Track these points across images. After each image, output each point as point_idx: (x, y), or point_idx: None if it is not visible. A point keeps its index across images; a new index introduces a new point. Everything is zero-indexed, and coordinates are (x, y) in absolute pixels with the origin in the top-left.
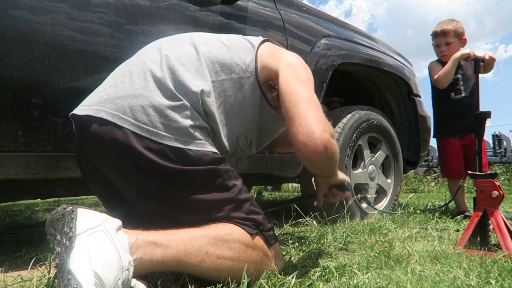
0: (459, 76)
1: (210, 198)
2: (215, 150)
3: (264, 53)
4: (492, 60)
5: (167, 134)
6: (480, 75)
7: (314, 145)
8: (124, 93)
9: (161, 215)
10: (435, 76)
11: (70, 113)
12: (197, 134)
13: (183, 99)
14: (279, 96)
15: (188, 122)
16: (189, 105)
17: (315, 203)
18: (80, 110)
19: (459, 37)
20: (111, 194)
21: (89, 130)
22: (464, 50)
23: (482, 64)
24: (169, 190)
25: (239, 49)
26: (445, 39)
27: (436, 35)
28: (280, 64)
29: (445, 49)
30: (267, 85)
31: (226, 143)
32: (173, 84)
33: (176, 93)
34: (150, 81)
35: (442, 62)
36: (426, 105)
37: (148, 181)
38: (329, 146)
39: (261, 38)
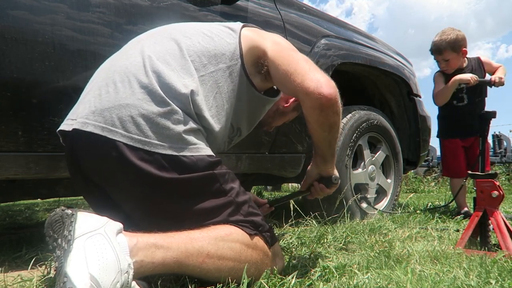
0: (463, 85)
1: (208, 206)
2: (210, 152)
3: (247, 36)
4: (501, 84)
5: (160, 143)
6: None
7: (325, 89)
8: (110, 104)
9: (158, 225)
10: (434, 93)
11: (57, 130)
12: (190, 138)
13: (172, 103)
14: (270, 67)
15: (180, 128)
16: (179, 109)
17: (300, 187)
18: (67, 125)
19: (458, 51)
20: (108, 203)
21: (79, 145)
22: (465, 76)
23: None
24: (165, 200)
25: (222, 37)
26: (442, 56)
27: (432, 52)
28: (266, 43)
29: (444, 65)
30: (253, 68)
31: (220, 137)
32: (160, 88)
33: (165, 97)
34: (136, 88)
35: (445, 73)
36: (426, 105)
37: (144, 192)
38: (337, 92)
39: (240, 24)
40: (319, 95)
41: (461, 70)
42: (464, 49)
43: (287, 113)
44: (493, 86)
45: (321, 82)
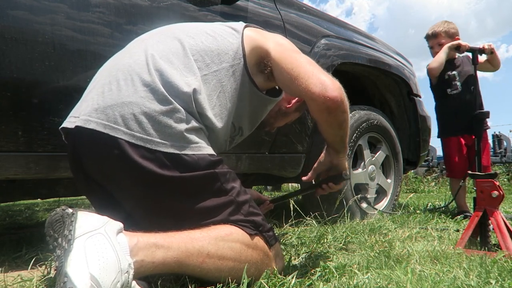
0: (455, 72)
1: (209, 204)
2: (211, 151)
3: (250, 36)
4: (491, 50)
5: (162, 141)
6: (486, 73)
7: (330, 92)
8: (113, 102)
9: (159, 223)
10: (427, 66)
11: (60, 127)
12: (192, 137)
13: (174, 101)
14: (273, 69)
15: (182, 126)
16: (181, 107)
17: (303, 178)
18: (70, 122)
19: (452, 37)
20: (109, 202)
21: (82, 142)
22: (455, 41)
23: (484, 57)
24: (166, 198)
25: (224, 37)
26: (437, 40)
27: (428, 37)
28: (269, 43)
29: (438, 50)
30: (256, 68)
31: (222, 136)
32: (163, 86)
33: (168, 96)
34: (139, 86)
35: None
36: (426, 105)
37: (145, 190)
38: (343, 92)
39: (243, 24)
40: (325, 99)
41: (452, 61)
42: (457, 37)
43: (289, 114)
44: (483, 54)
45: (325, 86)
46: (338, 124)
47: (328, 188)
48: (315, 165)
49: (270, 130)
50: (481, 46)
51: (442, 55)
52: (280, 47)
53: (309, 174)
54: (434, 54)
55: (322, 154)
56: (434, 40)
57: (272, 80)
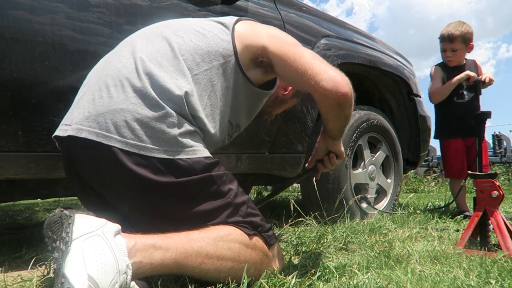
0: (463, 82)
1: (206, 208)
2: (207, 154)
3: (242, 32)
4: (491, 82)
5: (155, 147)
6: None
7: (342, 88)
8: (104, 109)
9: (156, 227)
10: (430, 90)
11: (53, 135)
12: (186, 141)
13: (166, 106)
14: (275, 64)
15: (176, 131)
16: (173, 111)
17: (306, 165)
18: (62, 130)
19: (466, 43)
20: (105, 207)
21: (75, 150)
22: (465, 73)
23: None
24: (163, 204)
25: (215, 33)
26: (452, 45)
27: (443, 39)
28: (263, 39)
29: (450, 55)
30: (252, 64)
31: (217, 135)
32: (154, 91)
33: (159, 101)
34: (130, 92)
35: (445, 66)
36: (426, 105)
37: (141, 197)
38: (351, 86)
39: (234, 18)
40: (337, 95)
41: (460, 67)
42: (471, 43)
43: (287, 101)
44: (483, 84)
45: (336, 82)
46: (344, 117)
47: (329, 165)
48: (314, 152)
49: (268, 118)
50: (483, 79)
51: (447, 89)
52: (277, 40)
53: (309, 161)
54: (445, 57)
55: (318, 143)
56: (448, 44)
57: (270, 73)
